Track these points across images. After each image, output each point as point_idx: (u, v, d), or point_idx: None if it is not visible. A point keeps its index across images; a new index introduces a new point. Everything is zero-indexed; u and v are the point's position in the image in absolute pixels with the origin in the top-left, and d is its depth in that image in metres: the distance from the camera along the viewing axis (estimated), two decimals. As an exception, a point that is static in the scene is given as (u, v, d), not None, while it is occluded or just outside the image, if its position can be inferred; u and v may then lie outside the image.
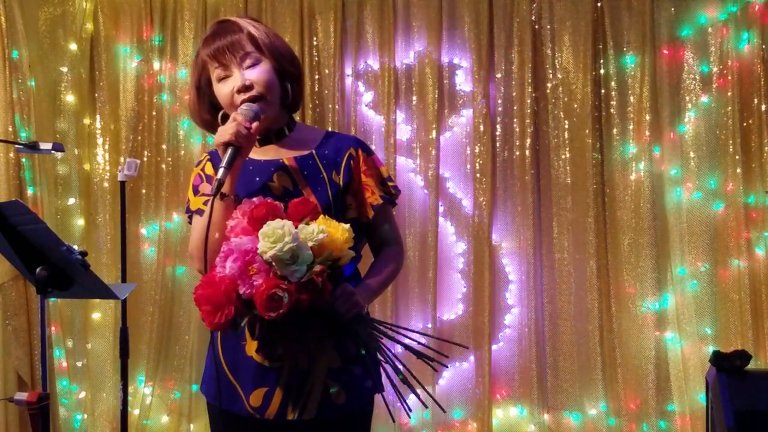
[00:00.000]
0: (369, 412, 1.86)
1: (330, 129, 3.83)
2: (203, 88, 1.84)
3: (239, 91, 1.75)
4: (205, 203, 1.75)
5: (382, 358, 1.72)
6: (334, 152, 1.85)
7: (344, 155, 1.85)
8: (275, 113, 1.81)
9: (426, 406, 1.85)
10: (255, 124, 1.70)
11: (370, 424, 1.88)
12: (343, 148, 1.87)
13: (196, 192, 1.85)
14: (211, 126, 1.87)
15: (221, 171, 1.64)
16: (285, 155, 1.83)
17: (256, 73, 1.76)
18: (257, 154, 1.83)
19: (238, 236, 1.59)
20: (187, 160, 3.94)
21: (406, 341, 1.74)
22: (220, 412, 1.81)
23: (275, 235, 1.52)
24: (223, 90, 1.78)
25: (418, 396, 1.74)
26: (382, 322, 1.75)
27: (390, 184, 1.90)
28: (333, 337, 1.74)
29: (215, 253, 1.63)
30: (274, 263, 1.53)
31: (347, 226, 1.63)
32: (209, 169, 1.87)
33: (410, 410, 1.76)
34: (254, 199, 1.66)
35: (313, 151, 1.85)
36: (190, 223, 1.87)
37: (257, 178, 1.79)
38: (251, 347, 1.74)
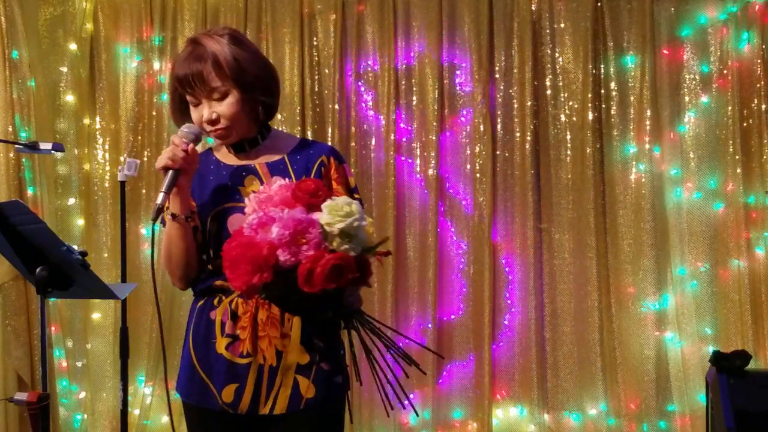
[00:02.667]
0: (341, 407, 1.88)
1: (330, 129, 3.85)
2: (178, 101, 1.87)
3: (207, 123, 1.80)
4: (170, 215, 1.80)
5: (378, 354, 1.72)
6: (306, 158, 1.88)
7: (315, 162, 1.87)
8: (243, 136, 1.86)
9: (403, 406, 1.84)
10: (191, 146, 1.75)
11: (343, 419, 1.89)
12: (315, 155, 1.89)
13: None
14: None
15: (160, 196, 1.70)
16: (258, 161, 1.87)
17: (223, 108, 1.79)
18: (232, 159, 1.89)
19: (277, 206, 1.61)
20: (187, 160, 3.94)
21: (391, 342, 1.75)
22: (194, 409, 1.86)
23: (344, 211, 1.56)
24: (194, 115, 1.83)
25: (398, 396, 1.73)
26: (375, 320, 1.77)
27: (356, 196, 1.90)
28: (333, 326, 1.77)
29: (179, 267, 1.80)
30: (338, 237, 1.56)
31: (371, 220, 1.68)
32: None
33: (392, 408, 1.75)
34: (284, 179, 1.70)
35: (285, 157, 1.88)
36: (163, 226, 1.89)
37: (229, 183, 1.84)
38: (221, 344, 1.79)
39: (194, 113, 1.82)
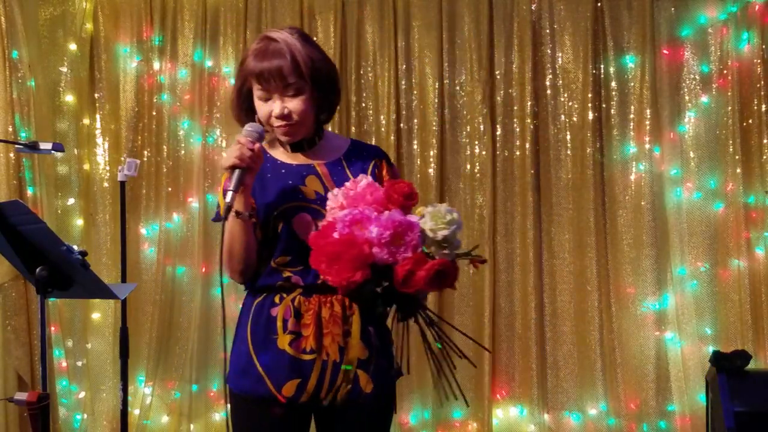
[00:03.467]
0: (393, 399, 1.96)
1: (329, 129, 3.84)
2: (244, 95, 1.90)
3: (278, 118, 1.83)
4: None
5: (438, 346, 1.77)
6: (361, 160, 1.96)
7: (370, 163, 1.96)
8: (306, 134, 1.91)
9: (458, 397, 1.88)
10: (257, 145, 1.79)
11: (393, 410, 1.96)
12: (369, 156, 1.97)
13: (225, 195, 1.90)
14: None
15: (229, 195, 1.73)
16: (316, 161, 1.93)
17: (296, 104, 1.83)
18: (289, 158, 1.94)
19: (370, 205, 1.67)
20: (187, 160, 3.94)
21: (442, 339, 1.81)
22: (247, 400, 1.87)
23: (447, 219, 1.65)
24: (262, 109, 1.86)
25: (451, 386, 1.80)
26: (434, 314, 1.83)
27: None
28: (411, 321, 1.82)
29: (239, 262, 1.83)
30: (438, 243, 1.63)
31: None
32: None
33: (447, 398, 1.83)
34: (366, 178, 1.75)
35: (342, 158, 1.95)
36: (217, 221, 1.91)
37: (290, 181, 1.88)
38: (283, 341, 1.83)
39: (262, 108, 1.85)
